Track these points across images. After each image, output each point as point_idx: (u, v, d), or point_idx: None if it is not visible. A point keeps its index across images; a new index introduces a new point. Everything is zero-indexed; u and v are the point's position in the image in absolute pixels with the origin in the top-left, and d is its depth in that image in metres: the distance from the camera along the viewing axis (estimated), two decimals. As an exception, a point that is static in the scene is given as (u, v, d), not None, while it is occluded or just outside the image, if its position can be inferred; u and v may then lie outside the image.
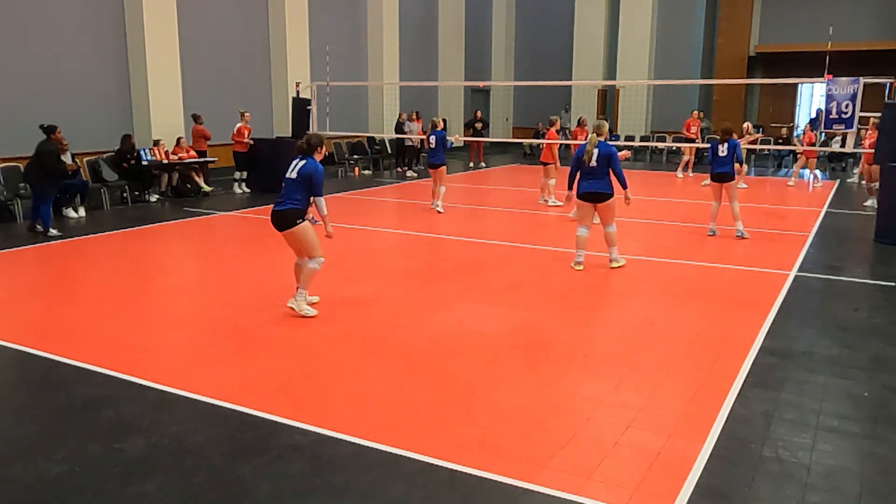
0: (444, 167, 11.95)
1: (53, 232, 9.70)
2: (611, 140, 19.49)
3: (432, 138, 11.96)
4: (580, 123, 15.97)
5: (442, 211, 11.76)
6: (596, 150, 7.70)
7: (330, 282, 7.47)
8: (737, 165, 9.63)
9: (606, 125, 8.16)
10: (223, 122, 15.27)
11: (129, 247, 9.30)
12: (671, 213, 11.84)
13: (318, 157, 6.15)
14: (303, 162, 6.08)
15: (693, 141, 16.72)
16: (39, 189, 9.86)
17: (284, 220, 6.08)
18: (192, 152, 13.98)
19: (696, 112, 18.20)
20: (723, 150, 9.55)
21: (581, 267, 7.93)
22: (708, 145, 14.27)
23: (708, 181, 10.13)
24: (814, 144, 15.67)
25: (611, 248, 7.98)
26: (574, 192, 7.97)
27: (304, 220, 6.06)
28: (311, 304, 6.30)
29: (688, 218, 11.35)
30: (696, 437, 3.96)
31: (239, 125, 14.70)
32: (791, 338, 5.73)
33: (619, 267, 7.96)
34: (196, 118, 14.40)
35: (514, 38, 27.43)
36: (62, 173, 10.13)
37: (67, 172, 10.37)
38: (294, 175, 6.08)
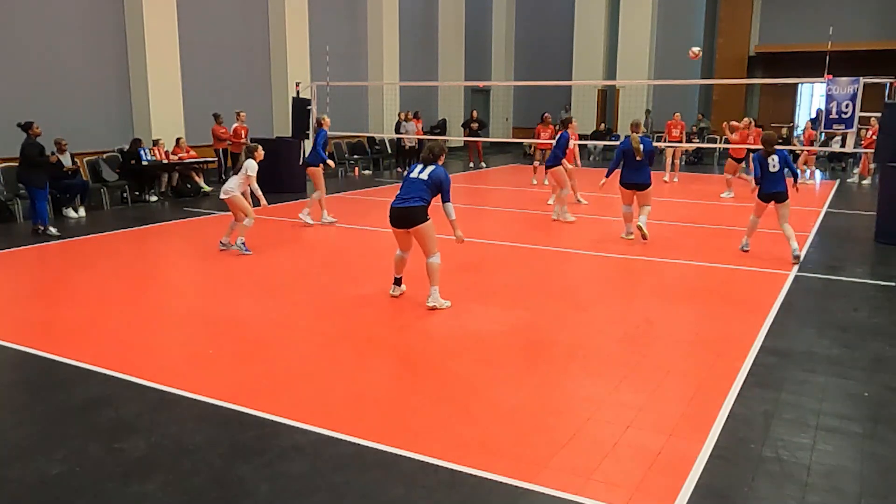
0: (317, 168, 10.47)
1: (52, 230, 9.71)
2: (610, 140, 19.60)
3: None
4: (543, 120, 16.46)
5: (311, 223, 10.39)
6: (641, 146, 9.01)
7: (330, 281, 7.47)
8: (789, 180, 8.23)
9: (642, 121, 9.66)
10: (223, 122, 15.29)
11: (129, 247, 9.30)
12: (671, 212, 11.83)
13: (441, 161, 6.47)
14: (432, 167, 6.34)
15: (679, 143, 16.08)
16: (32, 185, 9.87)
17: (415, 216, 6.24)
18: (192, 152, 13.99)
19: (677, 114, 17.07)
20: (774, 165, 8.12)
21: (632, 236, 9.38)
22: (692, 145, 14.22)
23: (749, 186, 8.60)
24: (813, 142, 15.44)
25: (643, 216, 9.23)
26: (609, 179, 9.38)
27: (430, 218, 6.31)
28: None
29: (688, 218, 11.34)
30: (696, 437, 3.96)
31: (235, 125, 14.74)
32: (791, 338, 5.72)
33: (644, 234, 9.11)
34: (217, 117, 14.55)
35: (514, 38, 27.42)
36: (49, 164, 10.12)
37: (53, 163, 10.37)
38: (425, 177, 6.31)
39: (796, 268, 7.96)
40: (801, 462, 3.72)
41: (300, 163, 14.35)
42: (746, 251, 8.66)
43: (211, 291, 7.16)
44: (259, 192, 8.60)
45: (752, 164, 15.76)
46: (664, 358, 5.21)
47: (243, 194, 8.48)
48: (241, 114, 15.03)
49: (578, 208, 12.10)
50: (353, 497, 3.38)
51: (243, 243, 8.47)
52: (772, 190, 8.15)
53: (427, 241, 6.33)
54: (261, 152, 8.59)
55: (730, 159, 14.17)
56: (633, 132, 9.32)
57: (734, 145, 14.06)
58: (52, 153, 11.11)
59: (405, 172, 6.78)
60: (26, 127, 9.95)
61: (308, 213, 10.63)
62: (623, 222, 9.58)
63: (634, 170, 9.19)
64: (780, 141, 17.69)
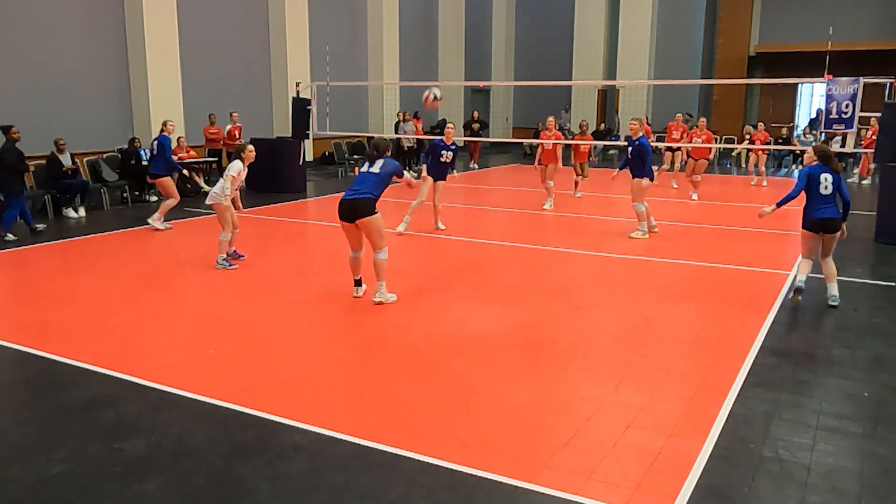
0: (165, 178, 10.15)
1: (10, 237, 9.35)
2: (610, 140, 19.59)
3: (154, 144, 10.33)
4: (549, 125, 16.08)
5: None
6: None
7: (330, 281, 7.47)
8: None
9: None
10: (223, 122, 15.29)
11: (129, 247, 9.30)
12: (671, 212, 11.83)
13: (387, 155, 6.62)
14: (382, 160, 6.48)
15: (677, 147, 15.21)
16: (9, 192, 9.56)
17: (363, 209, 6.23)
18: (192, 152, 13.99)
19: (679, 115, 16.41)
20: (826, 187, 6.33)
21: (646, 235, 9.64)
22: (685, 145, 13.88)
23: (771, 209, 6.67)
24: (769, 143, 14.88)
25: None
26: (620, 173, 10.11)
27: (378, 212, 6.32)
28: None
29: (687, 218, 11.34)
30: (696, 437, 3.96)
31: (229, 127, 14.79)
32: (791, 338, 5.73)
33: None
34: (211, 118, 14.68)
35: (514, 38, 27.42)
36: (26, 169, 9.86)
37: (30, 169, 10.12)
38: (376, 170, 6.42)
39: (796, 267, 7.96)
40: (801, 462, 3.72)
41: (300, 163, 14.36)
42: (801, 289, 6.40)
43: (211, 291, 7.16)
44: (238, 199, 8.14)
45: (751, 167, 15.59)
46: (664, 358, 5.21)
47: (233, 200, 7.96)
48: (234, 114, 15.06)
49: (579, 208, 12.10)
50: (353, 497, 3.38)
51: (225, 259, 7.88)
52: (819, 215, 6.36)
53: (375, 234, 6.33)
54: (250, 153, 7.88)
55: (692, 159, 13.64)
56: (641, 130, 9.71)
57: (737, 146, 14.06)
58: (72, 162, 11.18)
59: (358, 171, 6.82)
60: (5, 130, 9.58)
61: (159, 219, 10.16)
62: (642, 219, 9.75)
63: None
64: (781, 141, 17.79)
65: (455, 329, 5.86)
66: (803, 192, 6.43)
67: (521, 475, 3.53)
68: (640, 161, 9.50)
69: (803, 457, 3.78)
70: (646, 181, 9.53)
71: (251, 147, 7.96)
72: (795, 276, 6.51)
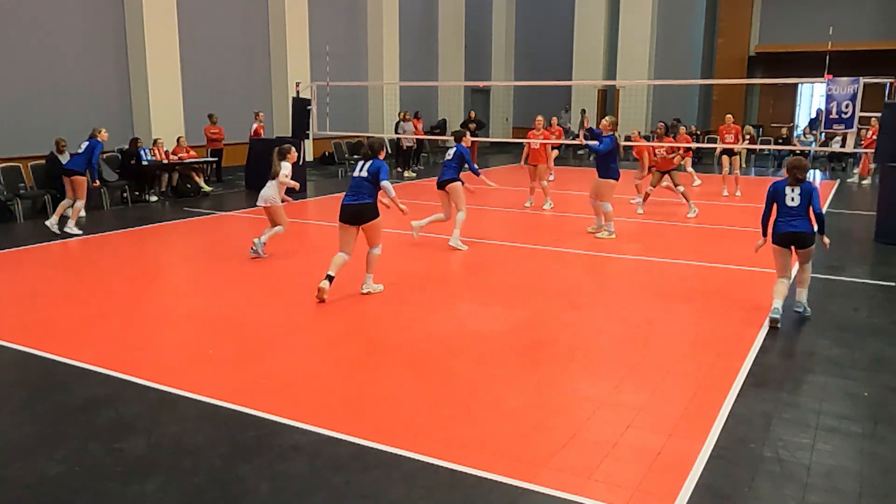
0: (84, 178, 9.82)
1: None
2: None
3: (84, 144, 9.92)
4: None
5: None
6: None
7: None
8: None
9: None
10: (223, 122, 15.29)
11: (129, 247, 9.30)
12: (671, 212, 11.83)
13: (381, 156, 6.79)
14: (369, 162, 6.70)
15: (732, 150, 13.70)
16: None
17: (368, 214, 6.66)
18: (192, 152, 13.99)
19: (661, 123, 14.93)
20: (793, 199, 6.05)
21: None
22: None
23: (762, 241, 6.32)
24: (675, 152, 11.56)
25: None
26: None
27: (380, 215, 6.76)
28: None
29: (687, 218, 11.33)
30: (696, 436, 3.96)
31: (255, 126, 14.87)
32: (791, 338, 5.72)
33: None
34: (211, 117, 14.71)
35: (514, 38, 27.43)
36: None
37: None
38: (364, 174, 6.67)
39: (796, 267, 7.95)
40: (801, 462, 3.72)
41: (300, 163, 14.33)
42: (776, 318, 5.95)
43: (211, 291, 7.16)
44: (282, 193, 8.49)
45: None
46: (664, 358, 5.21)
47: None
48: (260, 114, 15.25)
49: (579, 209, 12.09)
50: (353, 497, 3.38)
51: (263, 244, 8.34)
52: (787, 230, 6.02)
53: (375, 235, 6.77)
54: (294, 154, 8.44)
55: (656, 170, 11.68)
56: (614, 131, 9.61)
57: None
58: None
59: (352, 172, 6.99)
60: None
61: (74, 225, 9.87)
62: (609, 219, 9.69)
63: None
64: (781, 141, 17.79)
65: (455, 329, 5.86)
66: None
67: (521, 475, 3.53)
68: (605, 160, 9.52)
69: (803, 457, 3.77)
70: (612, 182, 9.56)
71: (294, 148, 8.58)
72: (772, 306, 5.97)
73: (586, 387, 4.71)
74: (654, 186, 11.67)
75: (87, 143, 9.96)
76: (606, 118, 9.88)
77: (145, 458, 3.74)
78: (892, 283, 7.41)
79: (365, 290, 6.86)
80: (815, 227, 6.09)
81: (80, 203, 9.92)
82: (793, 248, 6.07)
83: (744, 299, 6.80)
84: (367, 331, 5.84)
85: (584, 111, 20.89)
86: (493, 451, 3.80)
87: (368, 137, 8.40)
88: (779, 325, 5.85)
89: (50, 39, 13.17)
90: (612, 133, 9.58)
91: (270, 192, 8.31)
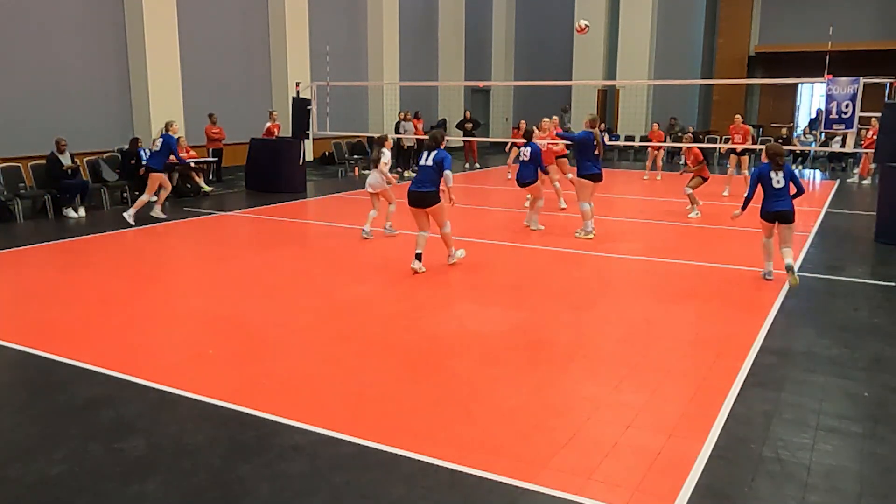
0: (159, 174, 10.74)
1: None
2: (611, 140, 19.57)
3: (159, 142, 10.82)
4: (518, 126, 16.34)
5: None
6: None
7: (330, 281, 7.47)
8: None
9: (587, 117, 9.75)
10: (223, 122, 15.30)
11: (129, 247, 9.30)
12: (670, 212, 11.83)
13: (443, 145, 7.65)
14: (434, 152, 7.53)
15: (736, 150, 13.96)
16: None
17: (431, 199, 7.47)
18: (192, 152, 13.99)
19: (656, 125, 17.38)
20: (778, 181, 7.07)
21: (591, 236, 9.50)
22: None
23: (739, 213, 7.43)
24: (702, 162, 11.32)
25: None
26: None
27: (441, 199, 7.58)
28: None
29: (687, 218, 11.33)
30: (696, 437, 3.96)
31: (268, 125, 14.93)
32: (791, 338, 5.72)
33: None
34: (211, 117, 14.69)
35: (514, 38, 27.43)
36: None
37: None
38: (430, 162, 7.50)
39: (796, 267, 7.96)
40: (801, 462, 3.72)
41: (300, 163, 14.36)
42: (771, 279, 7.36)
43: (211, 291, 7.16)
44: (389, 175, 9.44)
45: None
46: (664, 358, 5.21)
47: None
48: (274, 113, 15.28)
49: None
50: (353, 497, 3.38)
51: (391, 225, 9.64)
52: (775, 209, 7.07)
53: (440, 217, 7.64)
54: (390, 141, 9.70)
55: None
56: (592, 127, 9.47)
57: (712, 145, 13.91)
58: (72, 162, 11.22)
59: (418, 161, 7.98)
60: None
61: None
62: (585, 219, 9.58)
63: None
64: (781, 141, 17.79)
65: (455, 329, 5.86)
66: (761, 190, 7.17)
67: (521, 475, 3.53)
68: (581, 157, 9.40)
69: (803, 457, 3.78)
70: (586, 182, 9.40)
71: (388, 136, 9.83)
72: (765, 269, 7.45)
73: (586, 387, 4.71)
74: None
75: (161, 139, 10.75)
76: (587, 114, 9.88)
77: (145, 458, 3.74)
78: (892, 283, 7.41)
79: (451, 261, 7.88)
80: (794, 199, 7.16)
81: (164, 192, 11.03)
82: (777, 222, 7.14)
83: (744, 299, 6.80)
84: (367, 331, 5.84)
85: (565, 109, 21.06)
86: (493, 451, 3.80)
87: (432, 128, 9.24)
88: (771, 279, 7.30)
89: (50, 39, 13.17)
90: (589, 129, 9.43)
91: (376, 179, 9.31)
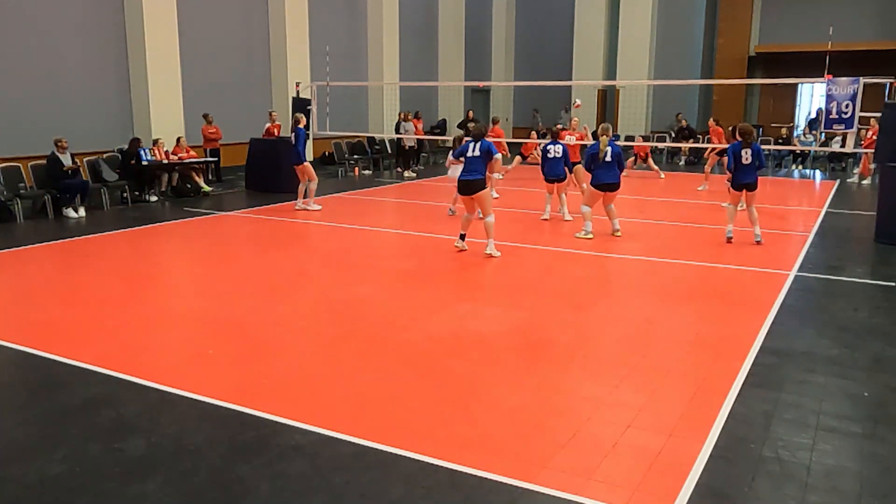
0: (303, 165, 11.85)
1: None
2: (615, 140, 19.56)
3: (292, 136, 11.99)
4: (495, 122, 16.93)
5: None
6: (609, 149, 9.37)
7: (330, 281, 7.47)
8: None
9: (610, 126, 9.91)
10: (223, 121, 15.30)
11: (129, 247, 9.30)
12: (671, 213, 11.83)
13: (488, 137, 8.42)
14: (479, 143, 8.18)
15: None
16: None
17: (477, 186, 8.12)
18: (192, 152, 13.99)
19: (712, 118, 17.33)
20: (747, 158, 8.86)
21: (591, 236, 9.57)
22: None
23: (705, 186, 9.14)
24: (650, 151, 13.64)
25: (614, 220, 9.74)
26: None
27: (487, 187, 8.30)
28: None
29: (687, 218, 11.34)
30: (696, 437, 3.95)
31: (267, 125, 14.93)
32: (791, 338, 5.72)
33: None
34: (206, 117, 14.66)
35: (514, 38, 27.42)
36: None
37: None
38: (477, 153, 8.13)
39: (796, 268, 7.96)
40: (801, 462, 3.72)
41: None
42: (731, 238, 9.15)
43: (211, 291, 7.16)
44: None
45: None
46: (664, 358, 5.21)
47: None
48: (274, 113, 15.30)
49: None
50: (353, 497, 3.38)
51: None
52: (745, 180, 8.90)
53: (485, 204, 8.25)
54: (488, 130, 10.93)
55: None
56: (602, 135, 9.54)
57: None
58: (73, 162, 11.22)
59: (456, 153, 8.90)
60: None
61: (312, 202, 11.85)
62: (586, 220, 9.65)
63: (606, 170, 9.53)
64: (781, 141, 17.79)
65: (455, 329, 5.86)
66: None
67: (521, 475, 3.53)
68: (592, 166, 9.61)
69: (803, 457, 3.78)
70: (590, 188, 9.66)
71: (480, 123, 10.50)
72: (728, 227, 9.23)
73: (586, 387, 4.71)
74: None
75: (293, 134, 11.81)
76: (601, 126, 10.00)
77: (145, 458, 3.74)
78: (892, 283, 7.41)
79: (487, 252, 8.25)
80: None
81: (313, 184, 11.83)
82: (744, 191, 8.98)
83: (744, 299, 6.80)
84: (366, 331, 5.84)
85: (566, 109, 21.14)
86: (493, 451, 3.79)
87: (474, 124, 9.56)
88: (731, 241, 9.10)
89: (50, 39, 13.17)
90: (595, 141, 9.65)
91: (456, 173, 9.44)
